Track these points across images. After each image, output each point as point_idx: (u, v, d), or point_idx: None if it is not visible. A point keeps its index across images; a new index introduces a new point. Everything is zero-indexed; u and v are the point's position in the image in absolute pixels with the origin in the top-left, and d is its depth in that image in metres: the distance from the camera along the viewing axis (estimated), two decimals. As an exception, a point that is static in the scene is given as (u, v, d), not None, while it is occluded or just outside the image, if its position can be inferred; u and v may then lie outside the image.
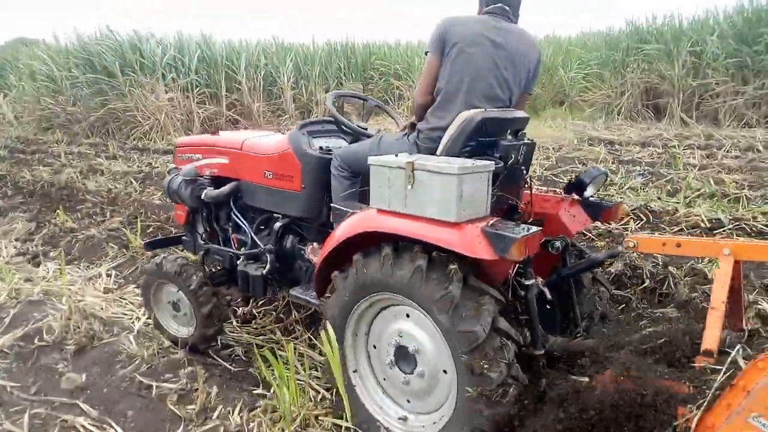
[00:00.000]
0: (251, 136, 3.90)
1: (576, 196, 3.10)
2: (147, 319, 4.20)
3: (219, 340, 4.01)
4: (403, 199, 2.48)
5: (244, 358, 3.91)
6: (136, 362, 3.58)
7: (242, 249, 3.84)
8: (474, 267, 2.45)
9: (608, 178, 8.14)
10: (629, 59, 14.54)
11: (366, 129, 3.56)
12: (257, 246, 3.68)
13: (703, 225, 6.04)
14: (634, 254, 4.63)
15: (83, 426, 3.13)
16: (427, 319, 2.47)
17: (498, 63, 2.84)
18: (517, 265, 2.65)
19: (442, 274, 2.36)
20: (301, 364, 3.59)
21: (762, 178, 7.86)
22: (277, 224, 3.59)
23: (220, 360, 3.84)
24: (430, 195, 2.39)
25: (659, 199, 7.14)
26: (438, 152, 2.75)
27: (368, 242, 2.59)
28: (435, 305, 2.34)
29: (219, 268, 4.06)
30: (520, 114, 2.93)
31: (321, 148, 3.49)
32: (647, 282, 4.27)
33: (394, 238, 2.52)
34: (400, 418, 2.73)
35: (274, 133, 4.13)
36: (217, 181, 3.85)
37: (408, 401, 2.73)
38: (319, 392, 3.28)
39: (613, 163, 9.38)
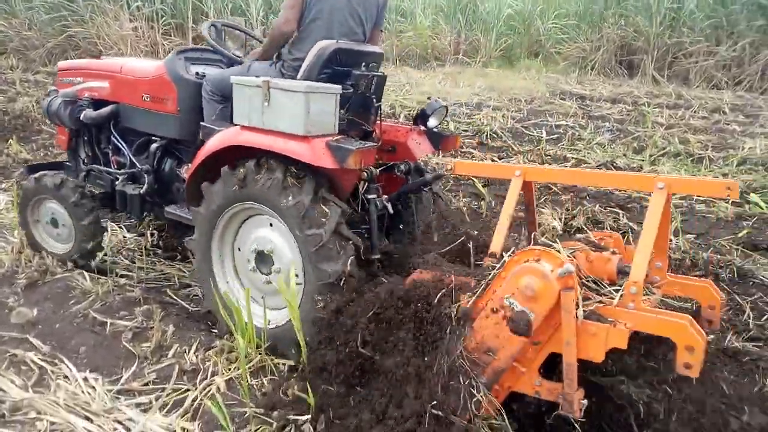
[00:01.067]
0: (131, 60, 4.06)
1: (422, 127, 3.49)
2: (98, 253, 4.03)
3: (176, 279, 3.96)
4: (260, 116, 2.85)
5: (201, 297, 3.87)
6: (90, 299, 3.51)
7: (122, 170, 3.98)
8: (325, 181, 2.86)
9: (575, 132, 8.18)
10: (608, 12, 14.39)
11: (240, 57, 3.71)
12: (135, 167, 3.83)
13: (665, 183, 6.14)
14: (593, 209, 4.70)
15: (33, 361, 3.07)
16: (283, 225, 2.86)
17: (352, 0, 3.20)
18: (367, 183, 3.10)
19: (295, 186, 2.75)
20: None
21: (725, 140, 7.99)
22: (155, 146, 3.73)
23: (177, 299, 3.79)
24: (282, 112, 2.77)
25: (625, 155, 7.21)
26: (297, 78, 3.07)
27: (234, 156, 2.92)
28: (287, 212, 2.74)
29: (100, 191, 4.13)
30: (374, 48, 3.32)
31: (197, 73, 3.64)
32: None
33: (255, 152, 2.85)
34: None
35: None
36: (98, 104, 3.93)
37: (268, 298, 3.10)
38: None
39: (582, 118, 9.40)
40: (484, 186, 5.75)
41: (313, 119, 2.76)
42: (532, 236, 2.75)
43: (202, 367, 2.93)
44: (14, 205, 4.50)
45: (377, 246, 3.07)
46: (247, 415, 2.58)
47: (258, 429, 2.51)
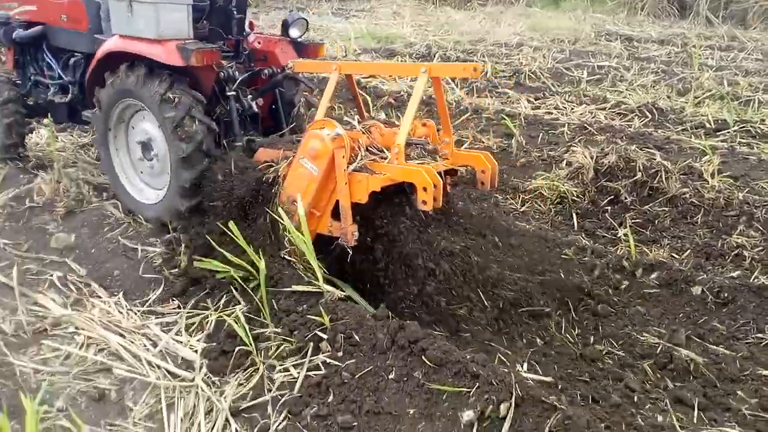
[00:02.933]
0: None
1: (288, 37, 3.98)
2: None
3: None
4: (127, 25, 3.43)
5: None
6: (123, 226, 3.65)
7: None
8: (185, 78, 3.38)
9: (618, 74, 7.86)
10: (661, -52, 13.55)
11: None
12: (63, 79, 4.31)
13: (708, 125, 5.89)
14: (627, 148, 4.57)
15: (72, 282, 3.25)
16: (152, 115, 3.42)
17: None
18: (226, 84, 3.59)
19: (156, 80, 3.32)
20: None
21: (779, 82, 7.57)
22: (74, 60, 4.19)
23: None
24: (140, 21, 3.34)
25: (668, 97, 6.92)
26: None
27: (119, 62, 3.47)
28: (150, 101, 3.33)
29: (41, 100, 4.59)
30: None
31: None
32: (639, 175, 4.22)
33: (130, 56, 3.42)
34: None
35: None
36: (29, 26, 4.38)
37: (154, 181, 3.69)
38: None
39: (627, 59, 9.01)
40: (515, 126, 5.63)
41: (166, 26, 3.31)
42: (356, 119, 3.28)
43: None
44: (52, 139, 4.66)
45: (239, 134, 3.59)
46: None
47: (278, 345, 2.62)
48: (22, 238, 3.73)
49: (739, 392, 2.55)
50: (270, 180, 3.10)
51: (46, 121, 4.69)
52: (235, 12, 3.69)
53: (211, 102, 3.57)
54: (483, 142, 5.51)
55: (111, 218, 3.76)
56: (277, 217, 2.93)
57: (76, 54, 4.18)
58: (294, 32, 3.98)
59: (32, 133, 5.34)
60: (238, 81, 3.63)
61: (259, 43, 3.98)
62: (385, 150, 2.94)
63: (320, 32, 10.63)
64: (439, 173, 2.91)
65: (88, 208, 3.92)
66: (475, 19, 12.47)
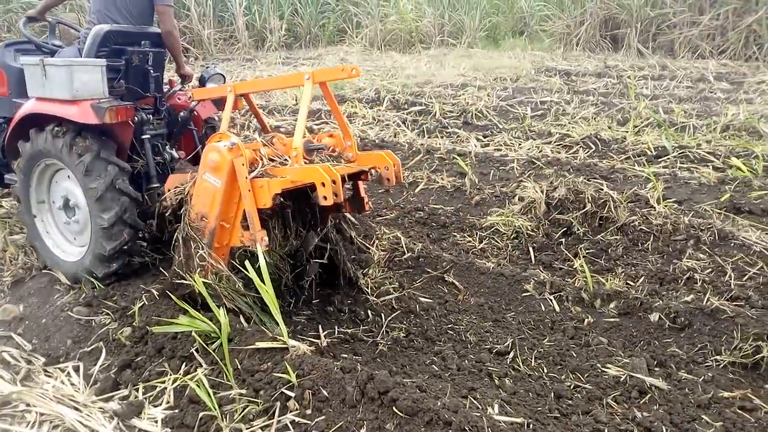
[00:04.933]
0: None
1: None
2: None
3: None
4: (42, 88, 3.50)
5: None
6: (73, 292, 3.53)
7: None
8: (106, 141, 3.48)
9: (560, 108, 8.17)
10: (590, -13, 14.31)
11: (62, 46, 4.23)
12: None
13: (649, 153, 6.16)
14: (574, 180, 4.73)
15: (21, 357, 3.10)
16: (76, 178, 3.47)
17: None
18: (141, 128, 3.71)
19: (81, 147, 3.37)
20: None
21: (710, 108, 8.00)
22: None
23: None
24: (55, 82, 3.42)
25: (609, 128, 7.22)
26: (83, 56, 3.66)
27: (43, 122, 3.52)
28: (76, 169, 3.38)
29: None
30: (149, 29, 3.91)
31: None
32: (588, 206, 4.35)
33: (49, 118, 3.47)
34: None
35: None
36: None
37: (74, 239, 3.77)
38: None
39: (567, 93, 9.38)
40: (467, 165, 5.76)
41: (80, 87, 3.39)
42: (258, 133, 3.39)
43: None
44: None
45: (154, 175, 3.74)
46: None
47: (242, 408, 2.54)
48: (-34, 312, 3.54)
49: (704, 417, 2.60)
50: (178, 202, 3.23)
51: None
52: (152, 70, 3.81)
53: (131, 158, 3.69)
54: (437, 182, 5.60)
55: (61, 285, 3.63)
56: (191, 234, 3.06)
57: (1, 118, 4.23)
58: (211, 86, 4.08)
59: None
60: (150, 121, 3.78)
61: (179, 99, 4.10)
62: (288, 158, 3.06)
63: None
64: (350, 176, 3.22)
65: (36, 275, 3.78)
66: (420, 62, 12.81)
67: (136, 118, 3.65)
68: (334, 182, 2.79)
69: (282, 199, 3.03)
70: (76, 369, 3.00)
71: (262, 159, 3.00)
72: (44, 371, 3.02)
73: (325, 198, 2.81)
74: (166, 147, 4.00)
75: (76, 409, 2.73)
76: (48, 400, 2.78)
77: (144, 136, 3.69)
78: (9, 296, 3.65)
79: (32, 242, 3.87)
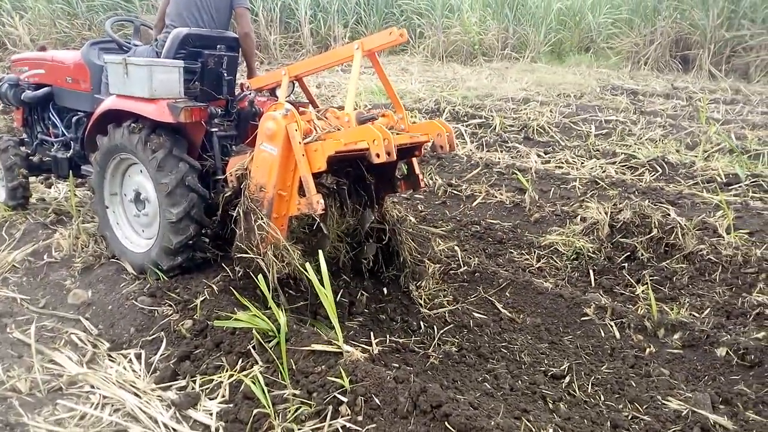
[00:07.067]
0: (60, 51, 4.95)
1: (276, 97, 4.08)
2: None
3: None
4: (123, 86, 3.66)
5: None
6: (139, 282, 3.65)
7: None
8: (179, 139, 3.60)
9: (626, 128, 7.96)
10: (662, 5, 13.92)
11: (139, 44, 4.42)
12: (65, 137, 4.58)
13: (719, 179, 5.92)
14: (641, 203, 4.58)
15: (88, 340, 3.24)
16: (148, 173, 3.61)
17: None
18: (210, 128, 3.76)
19: (155, 144, 3.50)
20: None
21: (787, 136, 7.64)
22: (76, 118, 4.46)
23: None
24: (135, 81, 3.58)
25: (677, 151, 6.98)
26: (161, 57, 3.80)
27: (121, 118, 3.67)
28: (149, 164, 3.52)
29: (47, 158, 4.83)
30: (226, 33, 4.07)
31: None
32: (654, 231, 4.21)
33: (127, 114, 3.63)
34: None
35: None
36: (38, 87, 4.67)
37: (143, 231, 3.90)
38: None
39: (634, 113, 9.14)
40: (527, 181, 5.67)
41: (158, 86, 3.53)
42: (311, 108, 3.56)
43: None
44: (71, 194, 4.72)
45: (220, 167, 3.76)
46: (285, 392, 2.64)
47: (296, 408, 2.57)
48: (40, 293, 3.74)
49: (772, 461, 2.47)
50: (239, 180, 3.33)
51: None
52: (225, 74, 3.92)
53: (201, 157, 3.78)
54: (496, 197, 5.54)
55: (127, 274, 3.77)
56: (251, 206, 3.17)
57: (78, 113, 4.44)
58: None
59: (50, 188, 5.44)
60: (221, 123, 3.89)
61: (249, 102, 4.17)
62: (341, 128, 3.16)
63: (331, 88, 10.86)
64: (404, 149, 3.31)
65: (104, 264, 3.94)
66: (482, 75, 12.74)
67: (208, 118, 3.76)
68: (385, 140, 2.85)
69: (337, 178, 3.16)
70: (138, 356, 3.10)
71: (315, 129, 3.11)
72: (108, 356, 3.14)
73: (377, 155, 2.85)
74: (233, 148, 4.09)
75: (136, 395, 2.83)
76: (111, 384, 2.89)
77: (214, 137, 3.81)
78: (79, 281, 3.81)
79: (103, 232, 4.04)
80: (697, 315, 3.64)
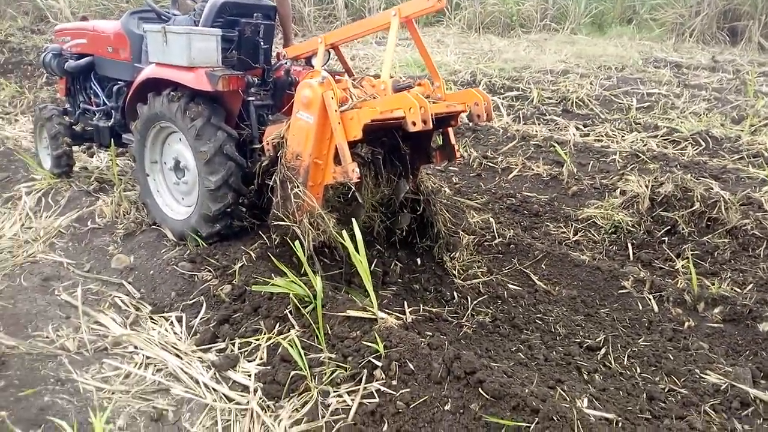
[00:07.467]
0: (101, 21, 4.96)
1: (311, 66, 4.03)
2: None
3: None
4: (162, 54, 3.69)
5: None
6: (179, 248, 3.74)
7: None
8: (217, 107, 3.64)
9: (668, 101, 7.72)
10: (710, -25, 13.33)
11: (178, 14, 4.40)
12: (107, 105, 4.64)
13: (766, 154, 5.71)
14: (683, 177, 4.46)
15: (131, 303, 3.34)
16: (187, 141, 3.65)
17: None
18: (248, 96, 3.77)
19: (194, 112, 3.54)
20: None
21: (840, 110, 7.29)
22: (117, 87, 4.52)
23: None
24: (174, 49, 3.61)
25: (722, 125, 6.75)
26: (200, 25, 3.81)
27: (161, 86, 3.73)
28: (188, 133, 3.56)
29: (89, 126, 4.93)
30: (263, 2, 4.03)
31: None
32: (697, 205, 4.10)
33: (166, 82, 3.68)
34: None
35: None
36: (80, 57, 4.74)
37: (182, 198, 3.98)
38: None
39: (677, 86, 8.84)
40: (566, 154, 5.57)
41: (196, 54, 3.55)
42: (347, 77, 3.56)
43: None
44: (112, 163, 4.84)
45: (257, 136, 3.76)
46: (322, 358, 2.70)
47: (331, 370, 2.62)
48: (85, 258, 3.87)
49: (814, 437, 2.42)
50: (275, 149, 3.37)
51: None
52: (262, 42, 3.90)
53: (239, 126, 3.81)
54: (532, 169, 5.47)
55: (167, 240, 3.87)
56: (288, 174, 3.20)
57: (119, 82, 4.50)
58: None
59: (92, 157, 5.58)
60: (258, 92, 3.89)
61: (285, 72, 4.17)
62: (377, 96, 3.15)
63: (365, 60, 10.78)
64: (440, 118, 3.24)
65: (146, 230, 4.05)
66: (519, 47, 12.46)
67: (245, 87, 3.78)
68: (421, 108, 2.83)
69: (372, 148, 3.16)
70: (179, 319, 3.20)
71: (351, 97, 3.10)
72: (150, 318, 3.24)
73: (413, 123, 2.84)
74: (269, 117, 4.12)
75: (178, 356, 2.92)
76: (153, 346, 3.00)
77: (251, 106, 3.84)
78: (121, 247, 3.93)
79: (144, 199, 4.14)
80: (738, 290, 3.55)
